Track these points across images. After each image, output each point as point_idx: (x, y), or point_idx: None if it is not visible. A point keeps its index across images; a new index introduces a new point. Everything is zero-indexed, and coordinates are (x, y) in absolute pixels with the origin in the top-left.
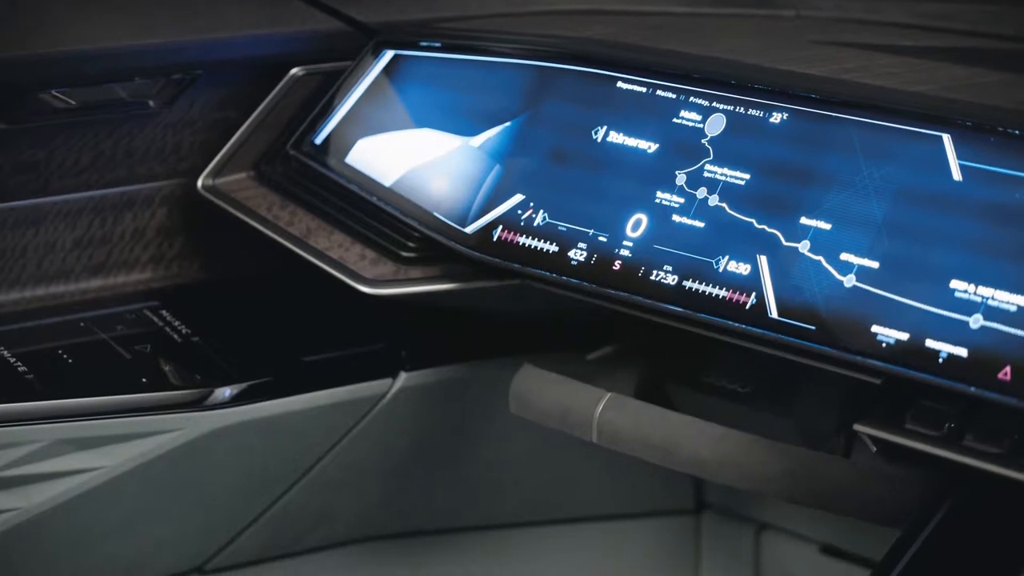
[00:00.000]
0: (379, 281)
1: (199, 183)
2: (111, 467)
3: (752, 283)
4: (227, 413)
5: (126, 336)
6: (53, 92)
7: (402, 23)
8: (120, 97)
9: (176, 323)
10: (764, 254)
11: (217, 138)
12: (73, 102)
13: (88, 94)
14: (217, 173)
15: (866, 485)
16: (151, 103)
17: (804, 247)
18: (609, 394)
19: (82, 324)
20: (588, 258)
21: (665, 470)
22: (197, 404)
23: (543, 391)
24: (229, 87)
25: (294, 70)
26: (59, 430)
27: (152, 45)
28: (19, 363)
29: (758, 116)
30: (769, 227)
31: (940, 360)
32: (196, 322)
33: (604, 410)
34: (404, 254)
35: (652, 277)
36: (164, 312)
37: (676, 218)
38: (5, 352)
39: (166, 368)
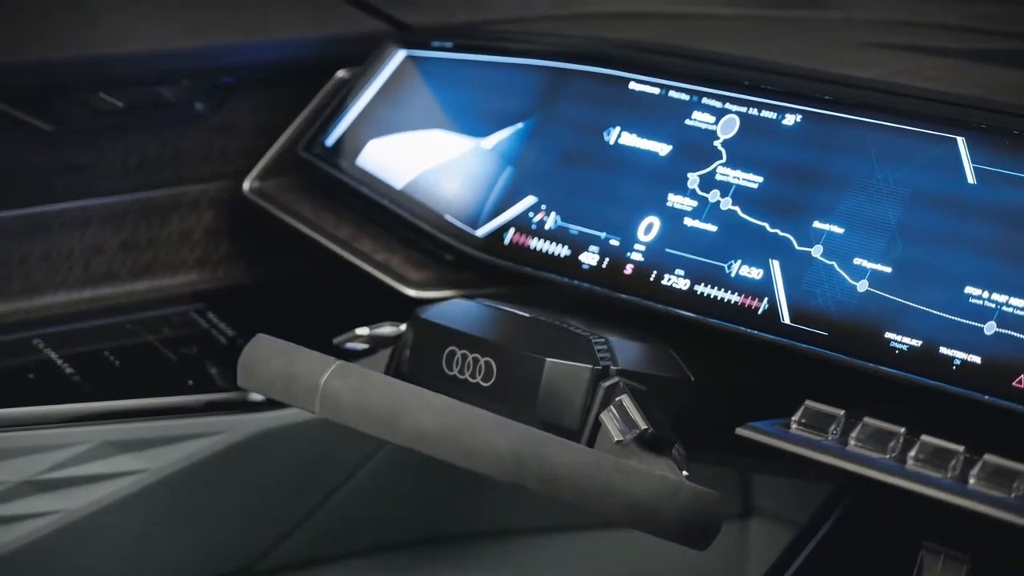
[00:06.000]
0: (424, 284)
1: (245, 186)
2: (156, 469)
3: (764, 288)
4: (272, 416)
5: (172, 338)
6: (100, 94)
7: (447, 26)
8: (167, 99)
9: (222, 325)
10: (776, 258)
11: (263, 141)
12: (120, 104)
13: (135, 96)
14: (263, 176)
15: (598, 473)
16: (198, 105)
17: (817, 251)
18: (337, 362)
19: (128, 326)
20: (600, 262)
21: (707, 475)
22: (243, 407)
23: (269, 360)
24: (275, 89)
25: (340, 72)
26: (105, 432)
27: (199, 48)
28: (66, 364)
29: (771, 118)
30: (782, 231)
31: (954, 367)
32: (242, 324)
33: (329, 379)
34: (448, 257)
35: (664, 282)
36: (210, 314)
37: (688, 221)
38: (52, 353)
39: (212, 370)
